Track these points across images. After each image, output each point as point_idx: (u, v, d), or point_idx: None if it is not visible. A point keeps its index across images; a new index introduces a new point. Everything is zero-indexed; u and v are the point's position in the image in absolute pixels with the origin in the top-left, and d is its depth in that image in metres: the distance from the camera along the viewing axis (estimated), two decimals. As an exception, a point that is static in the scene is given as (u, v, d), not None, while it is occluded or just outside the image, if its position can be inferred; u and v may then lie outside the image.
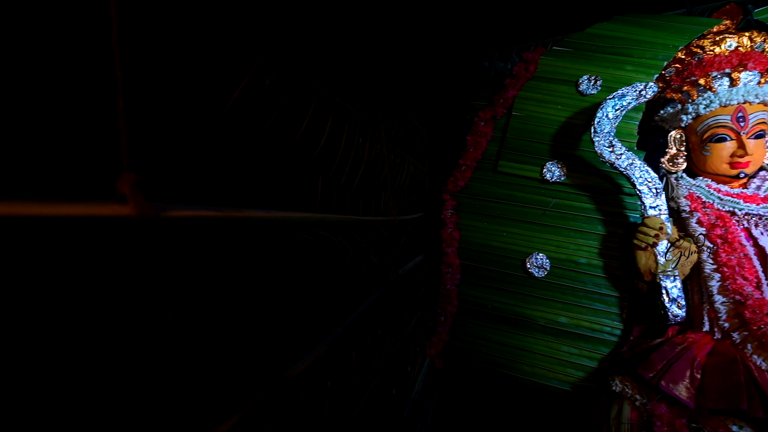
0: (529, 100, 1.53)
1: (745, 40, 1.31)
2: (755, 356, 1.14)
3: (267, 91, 0.61)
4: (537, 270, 1.47)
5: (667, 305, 1.24)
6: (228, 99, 0.56)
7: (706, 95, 1.30)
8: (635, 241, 1.27)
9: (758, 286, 1.16)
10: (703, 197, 1.29)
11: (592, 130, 1.33)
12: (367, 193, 0.99)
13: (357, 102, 0.97)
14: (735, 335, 1.17)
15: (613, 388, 1.25)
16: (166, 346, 0.41)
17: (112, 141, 0.40)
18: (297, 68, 0.68)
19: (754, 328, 1.12)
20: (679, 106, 1.36)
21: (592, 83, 1.46)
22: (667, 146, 1.40)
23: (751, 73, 1.26)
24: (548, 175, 1.48)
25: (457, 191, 1.59)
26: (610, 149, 1.31)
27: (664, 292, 1.24)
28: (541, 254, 1.47)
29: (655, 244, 1.24)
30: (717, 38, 1.33)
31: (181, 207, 0.46)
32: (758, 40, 1.31)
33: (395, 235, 1.18)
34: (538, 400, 1.50)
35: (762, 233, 1.20)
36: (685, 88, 1.34)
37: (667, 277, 1.24)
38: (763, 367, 1.12)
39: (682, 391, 1.13)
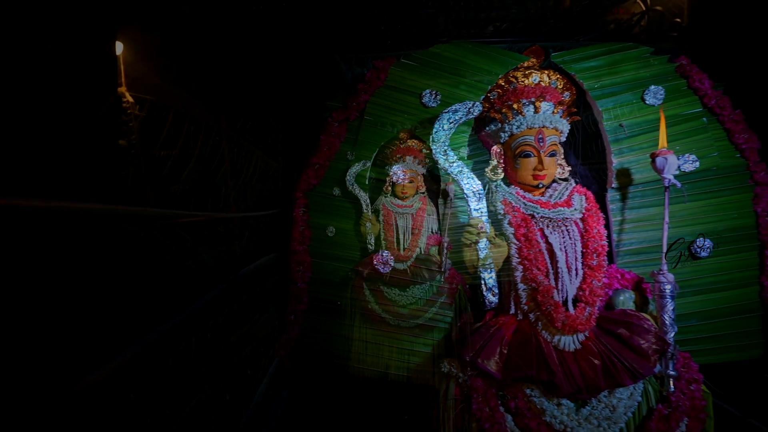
0: (379, 105, 1.62)
1: (545, 77, 1.62)
2: (544, 331, 1.41)
3: (48, 60, 0.51)
4: (383, 266, 1.57)
5: (485, 293, 1.44)
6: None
7: (518, 118, 1.56)
8: (463, 239, 1.45)
9: (547, 275, 1.44)
10: (513, 202, 1.54)
11: (431, 140, 1.47)
12: (199, 188, 0.92)
13: (189, 88, 0.89)
14: (531, 315, 1.43)
15: (443, 369, 1.41)
16: None
17: None
18: (90, 34, 0.59)
19: (544, 308, 1.39)
20: (500, 125, 1.60)
21: (433, 97, 1.62)
22: (490, 158, 1.64)
23: (548, 103, 1.56)
24: (395, 178, 1.59)
25: (309, 190, 1.60)
26: (445, 157, 1.48)
27: (482, 282, 1.45)
28: (386, 251, 1.58)
29: (477, 242, 1.45)
30: (526, 72, 1.61)
31: None
32: (553, 78, 1.62)
33: (235, 233, 1.13)
34: (384, 389, 1.60)
35: (551, 232, 1.49)
36: (504, 110, 1.58)
37: (485, 269, 1.45)
38: (549, 340, 1.40)
39: (492, 365, 1.33)
